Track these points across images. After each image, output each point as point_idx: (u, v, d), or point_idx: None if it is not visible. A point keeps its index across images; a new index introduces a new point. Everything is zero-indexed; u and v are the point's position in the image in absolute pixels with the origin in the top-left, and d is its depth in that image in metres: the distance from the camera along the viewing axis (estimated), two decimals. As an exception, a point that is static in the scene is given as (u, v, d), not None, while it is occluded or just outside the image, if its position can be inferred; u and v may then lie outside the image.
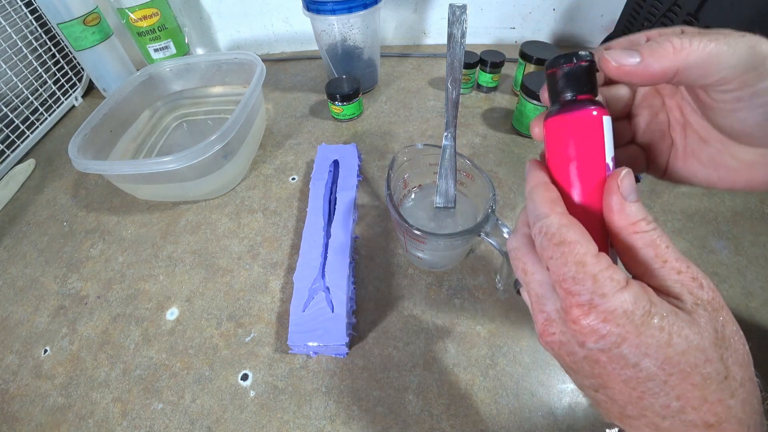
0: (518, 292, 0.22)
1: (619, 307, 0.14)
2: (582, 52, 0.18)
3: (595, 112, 0.18)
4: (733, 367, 0.15)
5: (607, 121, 0.18)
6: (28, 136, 0.60)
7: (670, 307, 0.15)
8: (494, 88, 0.63)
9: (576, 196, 0.18)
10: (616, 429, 0.18)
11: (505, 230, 0.30)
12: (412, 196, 0.41)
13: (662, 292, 0.16)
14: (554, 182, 0.19)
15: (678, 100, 0.21)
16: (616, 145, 0.19)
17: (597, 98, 0.18)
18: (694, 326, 0.15)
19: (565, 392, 0.33)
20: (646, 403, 0.15)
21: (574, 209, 0.18)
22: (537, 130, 0.20)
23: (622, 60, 0.17)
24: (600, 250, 0.16)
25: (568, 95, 0.18)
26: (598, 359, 0.15)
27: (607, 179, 0.18)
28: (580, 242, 0.16)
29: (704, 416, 0.14)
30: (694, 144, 0.20)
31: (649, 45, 0.17)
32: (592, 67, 0.18)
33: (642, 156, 0.22)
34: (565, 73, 0.18)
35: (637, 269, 0.17)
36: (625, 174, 0.17)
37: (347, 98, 0.56)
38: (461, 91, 0.47)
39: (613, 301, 0.14)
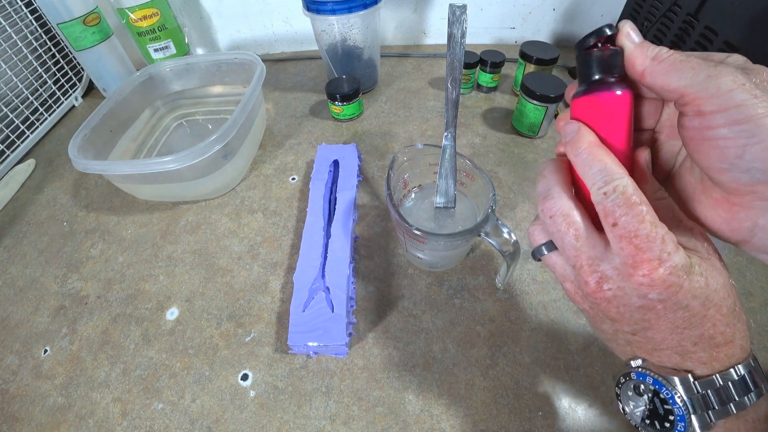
0: (538, 259, 0.23)
1: (679, 263, 0.17)
2: (606, 29, 0.19)
3: (619, 92, 0.19)
4: (736, 300, 0.18)
5: (631, 100, 0.19)
6: (28, 136, 0.60)
7: (698, 258, 0.18)
8: (494, 88, 0.63)
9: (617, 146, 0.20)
10: (640, 360, 0.20)
11: (505, 230, 0.30)
12: (412, 196, 0.41)
13: (683, 245, 0.18)
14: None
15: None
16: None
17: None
18: (716, 269, 0.18)
19: (565, 392, 0.33)
20: (686, 335, 0.18)
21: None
22: (563, 123, 0.21)
23: (634, 35, 0.19)
24: None
25: (598, 76, 0.19)
26: (654, 307, 0.18)
27: (636, 155, 0.20)
28: (650, 206, 0.17)
29: (725, 337, 0.18)
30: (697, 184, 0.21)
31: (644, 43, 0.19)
32: (618, 52, 0.19)
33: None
34: (596, 56, 0.19)
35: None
36: (647, 151, 0.20)
37: (347, 98, 0.56)
38: (461, 91, 0.47)
39: (675, 258, 0.17)
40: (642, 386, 0.20)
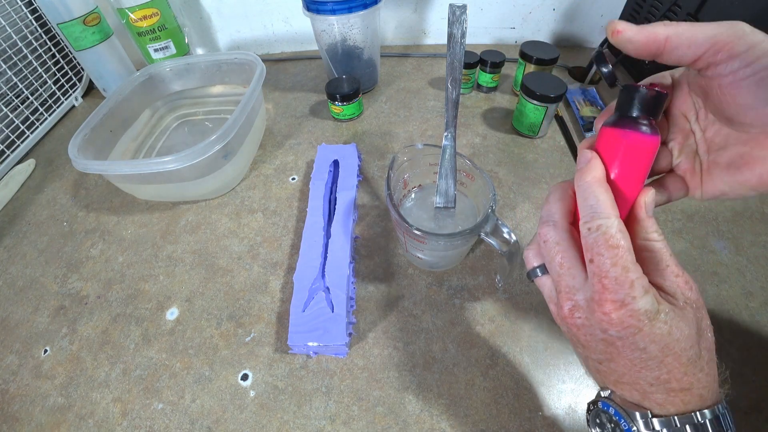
0: (532, 280, 0.25)
1: (642, 308, 0.18)
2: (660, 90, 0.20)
3: (649, 136, 0.20)
4: (704, 351, 0.19)
5: (656, 148, 0.20)
6: (28, 136, 0.60)
7: (670, 306, 0.19)
8: (494, 88, 0.63)
9: (626, 190, 0.21)
10: (609, 391, 0.22)
11: (505, 230, 0.30)
12: (412, 196, 0.41)
13: (662, 290, 0.20)
14: None
15: (701, 121, 0.23)
16: (658, 172, 0.23)
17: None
18: (685, 320, 0.19)
19: (565, 392, 0.33)
20: (642, 375, 0.19)
21: (624, 192, 0.21)
22: (582, 148, 0.22)
23: (626, 27, 0.19)
24: None
25: (641, 114, 0.20)
26: (614, 343, 0.19)
27: (638, 195, 0.21)
28: (629, 250, 0.19)
29: (681, 384, 0.19)
30: (715, 154, 0.22)
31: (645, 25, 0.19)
32: (664, 98, 0.20)
33: (681, 182, 0.24)
34: (654, 96, 0.20)
35: (645, 268, 0.19)
36: (651, 193, 0.21)
37: (347, 98, 0.56)
38: (461, 91, 0.47)
39: (640, 303, 0.18)
40: (605, 416, 0.22)
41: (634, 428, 0.20)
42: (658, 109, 0.20)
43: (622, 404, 0.21)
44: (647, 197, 0.20)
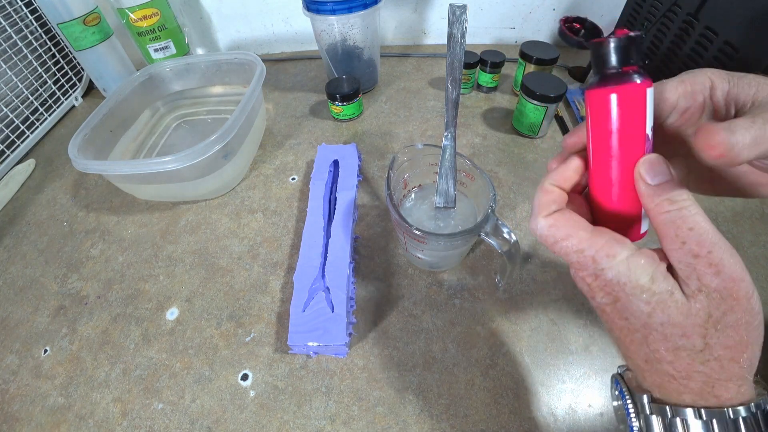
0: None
1: (614, 278, 0.18)
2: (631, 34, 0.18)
3: (638, 80, 0.18)
4: (715, 347, 0.17)
5: (650, 93, 0.18)
6: (28, 136, 0.60)
7: (667, 289, 0.18)
8: (494, 88, 0.63)
9: (615, 167, 0.19)
10: (624, 367, 0.22)
11: (505, 230, 0.30)
12: (412, 196, 0.41)
13: (674, 271, 0.18)
14: (594, 154, 0.20)
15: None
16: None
17: (640, 69, 0.18)
18: (683, 308, 0.17)
19: (565, 392, 0.33)
20: (634, 348, 0.20)
21: (613, 178, 0.20)
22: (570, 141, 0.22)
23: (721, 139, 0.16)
24: (636, 211, 0.20)
25: (613, 67, 0.18)
26: (604, 309, 0.20)
27: (636, 165, 0.19)
28: (571, 235, 0.19)
29: (672, 371, 0.18)
30: None
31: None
32: (640, 39, 0.18)
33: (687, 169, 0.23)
34: (619, 42, 0.18)
35: (663, 245, 0.18)
36: (645, 159, 0.18)
37: (347, 98, 0.56)
38: (461, 91, 0.47)
39: (609, 273, 0.19)
40: (615, 390, 0.22)
41: (631, 409, 0.20)
42: (631, 54, 0.18)
43: (629, 383, 0.21)
44: (640, 163, 0.18)
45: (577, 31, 0.20)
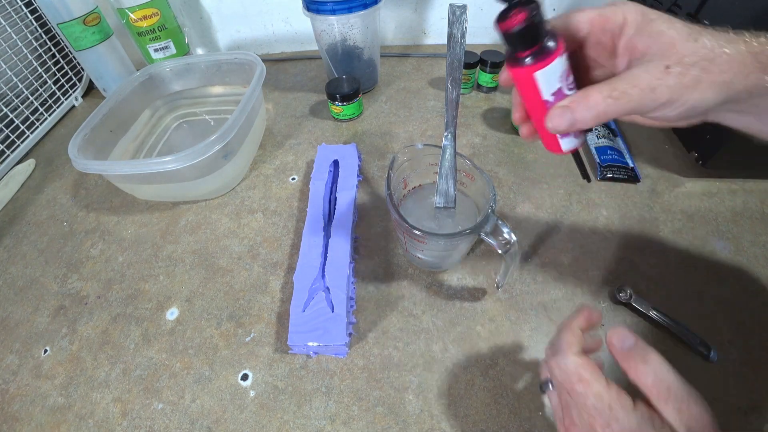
0: (543, 392, 0.27)
1: (627, 427, 0.20)
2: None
3: (528, 61, 0.22)
4: None
5: (544, 72, 0.22)
6: (28, 136, 0.60)
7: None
8: (494, 88, 0.63)
9: (533, 115, 0.25)
10: None
11: (505, 230, 0.30)
12: (412, 196, 0.41)
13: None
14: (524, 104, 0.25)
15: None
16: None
17: (543, 44, 0.21)
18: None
19: (565, 392, 0.33)
20: None
21: (532, 119, 0.26)
22: (505, 75, 0.25)
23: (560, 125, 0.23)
24: (554, 138, 0.25)
25: (510, 51, 0.23)
26: None
27: (620, 360, 0.22)
28: (595, 379, 0.21)
29: None
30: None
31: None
32: (529, 27, 0.21)
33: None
34: (506, 34, 0.22)
35: (650, 401, 0.21)
36: (611, 332, 0.23)
37: (347, 98, 0.56)
38: (461, 91, 0.47)
39: (624, 423, 0.20)
40: None
41: None
42: (526, 39, 0.21)
43: None
44: (609, 338, 0.23)
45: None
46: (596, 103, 0.21)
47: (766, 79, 0.20)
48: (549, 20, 0.22)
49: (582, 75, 0.25)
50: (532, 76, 0.22)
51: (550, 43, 0.21)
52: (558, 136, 0.25)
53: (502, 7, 0.21)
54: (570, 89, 0.23)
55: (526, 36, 0.21)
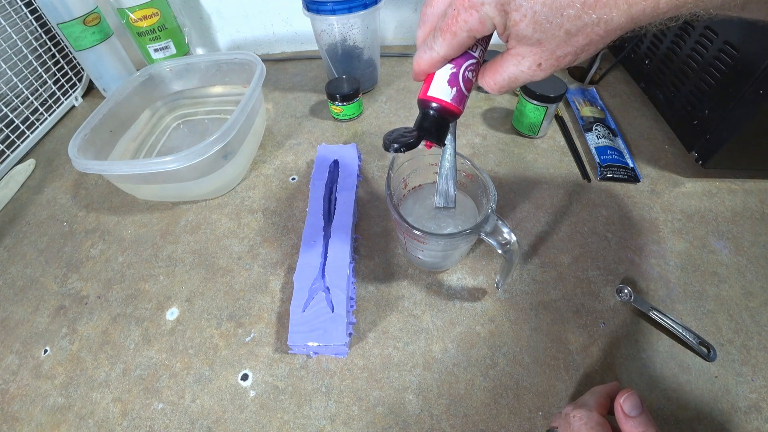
0: None
1: None
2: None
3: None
4: None
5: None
6: (28, 136, 0.60)
7: None
8: (494, 88, 0.63)
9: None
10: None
11: (505, 230, 0.30)
12: (412, 196, 0.41)
13: None
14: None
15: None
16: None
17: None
18: None
19: (565, 392, 0.33)
20: None
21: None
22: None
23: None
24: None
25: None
26: None
27: (615, 399, 0.26)
28: None
29: None
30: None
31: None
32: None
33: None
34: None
35: None
36: (626, 397, 0.25)
37: (347, 98, 0.56)
38: (461, 91, 0.47)
39: None
40: None
41: None
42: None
43: None
44: (621, 400, 0.25)
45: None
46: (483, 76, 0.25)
47: None
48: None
49: None
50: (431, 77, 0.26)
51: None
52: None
53: None
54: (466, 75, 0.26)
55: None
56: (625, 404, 0.25)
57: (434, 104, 0.25)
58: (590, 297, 0.38)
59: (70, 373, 0.37)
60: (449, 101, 0.25)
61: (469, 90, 0.26)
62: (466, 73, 0.25)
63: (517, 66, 0.22)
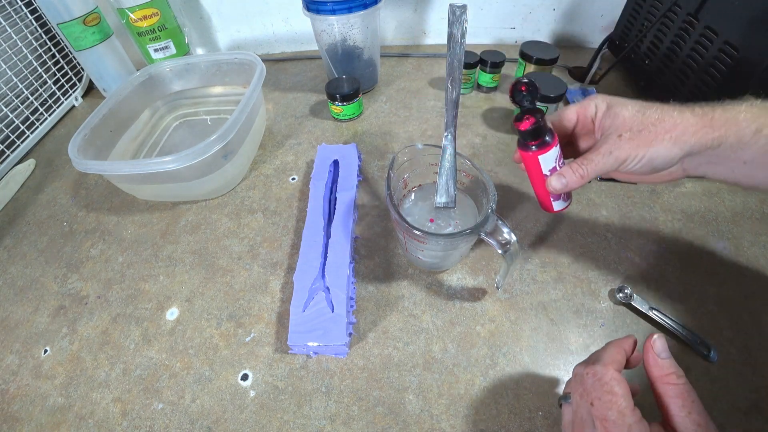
0: (560, 405, 0.28)
1: None
2: (536, 109, 0.29)
3: (534, 149, 0.31)
4: None
5: (544, 156, 0.31)
6: (28, 136, 0.60)
7: None
8: (494, 88, 0.63)
9: (535, 184, 0.33)
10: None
11: (505, 230, 0.30)
12: (412, 196, 0.41)
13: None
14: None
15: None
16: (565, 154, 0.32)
17: (544, 139, 0.30)
18: None
19: (565, 392, 0.33)
20: None
21: (534, 187, 0.33)
22: (517, 155, 0.33)
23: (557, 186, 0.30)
24: (549, 201, 0.33)
25: (521, 141, 0.31)
26: None
27: (645, 342, 0.25)
28: (624, 396, 0.22)
29: None
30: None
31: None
32: (537, 128, 0.29)
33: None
34: (520, 131, 0.30)
35: (665, 412, 0.22)
36: (657, 337, 0.24)
37: (347, 98, 0.56)
38: (461, 91, 0.47)
39: None
40: None
41: None
42: (536, 134, 0.30)
43: None
44: (652, 341, 0.24)
45: (522, 93, 0.30)
46: (576, 169, 0.29)
47: (710, 131, 0.26)
48: (548, 121, 0.31)
49: (575, 147, 0.34)
50: (536, 158, 0.31)
51: (548, 138, 0.30)
52: (552, 198, 0.33)
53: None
54: (560, 166, 0.31)
55: (533, 133, 0.30)
56: (655, 345, 0.24)
57: None
58: (590, 297, 0.38)
59: (70, 373, 0.37)
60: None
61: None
62: None
63: None
